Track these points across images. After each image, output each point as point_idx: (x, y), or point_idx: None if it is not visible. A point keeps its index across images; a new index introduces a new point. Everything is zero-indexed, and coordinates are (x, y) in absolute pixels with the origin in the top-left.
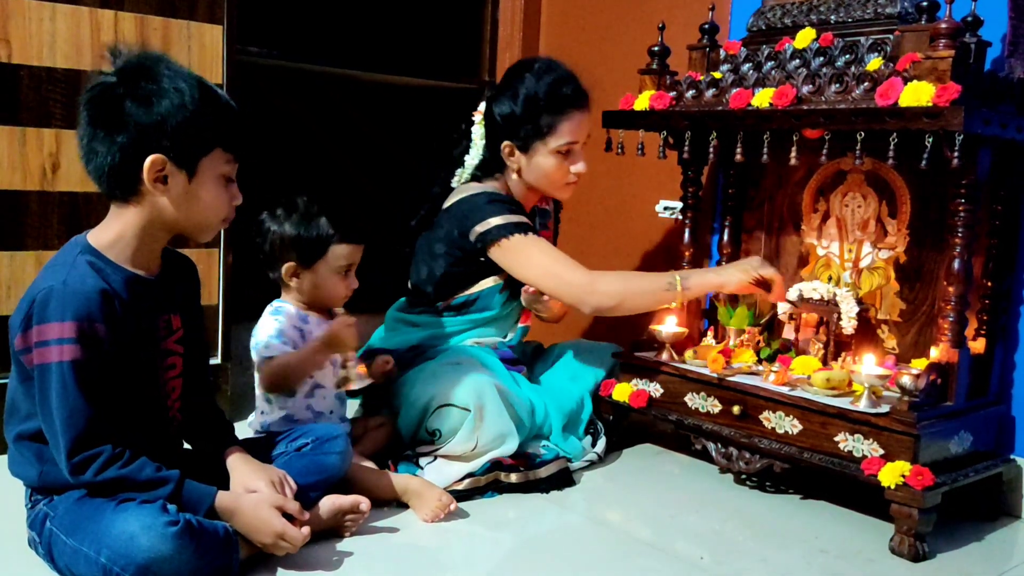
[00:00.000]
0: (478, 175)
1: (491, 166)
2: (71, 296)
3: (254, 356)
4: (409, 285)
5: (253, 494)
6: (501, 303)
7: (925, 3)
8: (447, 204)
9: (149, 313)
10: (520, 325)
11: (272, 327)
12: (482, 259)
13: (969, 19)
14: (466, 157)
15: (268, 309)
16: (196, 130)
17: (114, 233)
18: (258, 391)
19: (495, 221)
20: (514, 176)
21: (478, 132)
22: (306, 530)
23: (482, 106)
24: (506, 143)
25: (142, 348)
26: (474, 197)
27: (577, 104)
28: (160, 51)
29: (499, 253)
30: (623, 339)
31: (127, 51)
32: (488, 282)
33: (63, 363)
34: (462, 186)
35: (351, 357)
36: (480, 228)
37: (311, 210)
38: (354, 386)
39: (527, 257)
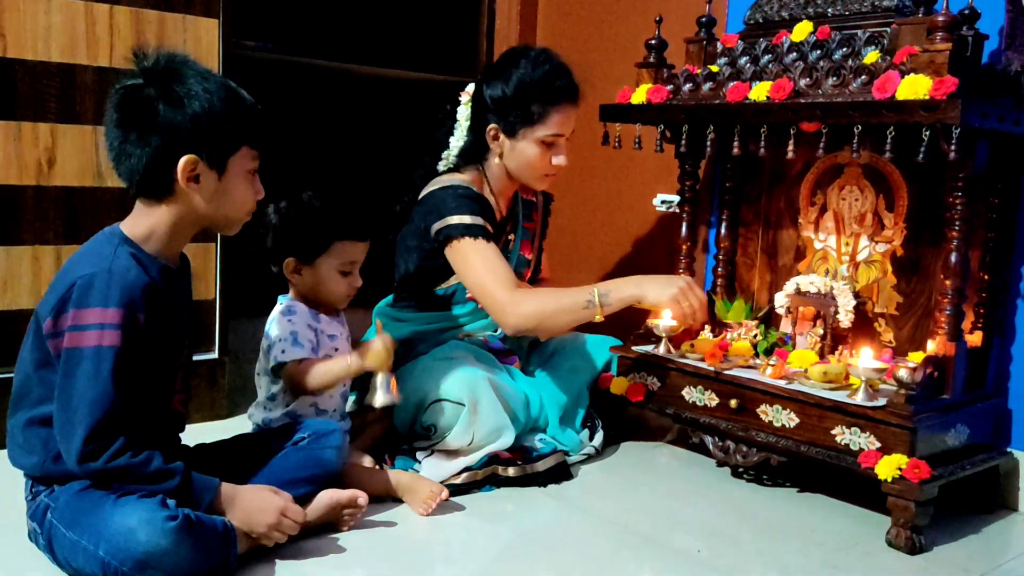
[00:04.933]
0: (459, 163)
1: (473, 152)
2: (117, 284)
3: (266, 355)
4: (394, 281)
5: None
6: None
7: None
8: (421, 195)
9: (179, 302)
10: None
11: (287, 329)
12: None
13: (966, 12)
14: (451, 139)
15: (278, 308)
16: (225, 130)
17: (147, 227)
18: (261, 387)
19: (450, 220)
20: (495, 160)
21: (464, 113)
22: (302, 517)
23: (470, 87)
24: (492, 126)
25: (170, 337)
26: (442, 191)
27: (569, 97)
28: (156, 45)
29: (450, 253)
30: (621, 332)
31: (152, 53)
32: None
33: (101, 347)
34: (437, 178)
35: (385, 374)
36: (438, 225)
37: (315, 205)
38: (379, 403)
39: (469, 263)
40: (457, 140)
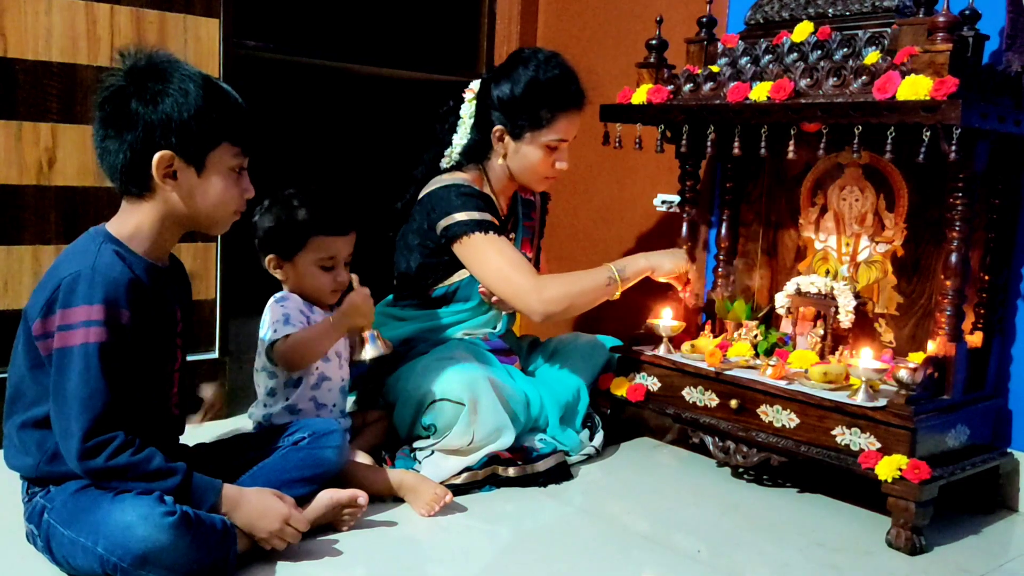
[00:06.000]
0: (461, 161)
1: (476, 151)
2: (100, 281)
3: (264, 341)
4: (394, 280)
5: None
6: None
7: None
8: (422, 194)
9: (167, 302)
10: (505, 313)
11: (279, 313)
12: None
13: (967, 12)
14: (454, 136)
15: (272, 300)
16: (201, 126)
17: (132, 226)
18: (260, 384)
19: (458, 216)
20: (499, 161)
21: (467, 111)
22: (305, 525)
23: (474, 84)
24: (498, 127)
25: (159, 337)
26: (445, 189)
27: (577, 103)
28: (157, 45)
29: (460, 249)
30: (621, 332)
31: (137, 52)
32: (464, 273)
33: (88, 345)
34: (438, 177)
35: (368, 328)
36: (444, 222)
37: (292, 202)
38: (369, 355)
39: (484, 257)
40: (460, 138)
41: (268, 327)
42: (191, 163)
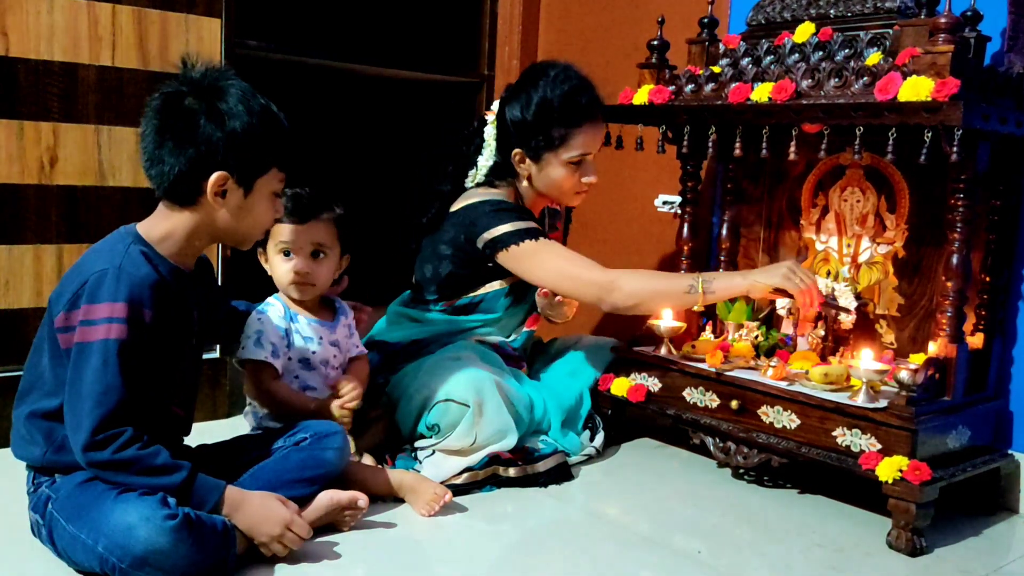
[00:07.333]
0: (490, 179)
1: (503, 170)
2: (125, 279)
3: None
4: (413, 281)
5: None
6: (505, 307)
7: None
8: (455, 208)
9: (187, 305)
10: (525, 329)
11: (254, 327)
12: (489, 264)
13: (969, 14)
14: (479, 158)
15: (256, 309)
16: (259, 151)
17: (164, 230)
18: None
19: (504, 228)
20: (524, 183)
21: (490, 132)
22: (307, 531)
23: (495, 106)
24: (516, 151)
25: (174, 339)
26: (481, 205)
27: (591, 116)
28: (159, 45)
29: (509, 259)
30: (622, 334)
31: (200, 63)
32: (494, 285)
33: (108, 341)
34: (470, 191)
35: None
36: (488, 236)
37: None
38: None
39: (540, 261)
40: (486, 160)
41: (243, 337)
42: (241, 185)
